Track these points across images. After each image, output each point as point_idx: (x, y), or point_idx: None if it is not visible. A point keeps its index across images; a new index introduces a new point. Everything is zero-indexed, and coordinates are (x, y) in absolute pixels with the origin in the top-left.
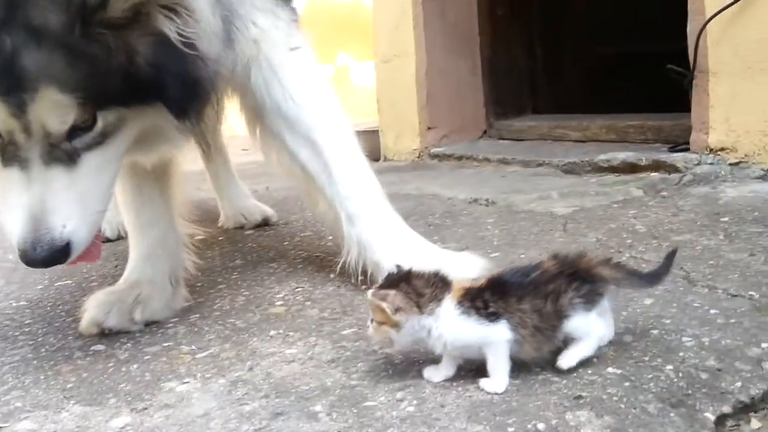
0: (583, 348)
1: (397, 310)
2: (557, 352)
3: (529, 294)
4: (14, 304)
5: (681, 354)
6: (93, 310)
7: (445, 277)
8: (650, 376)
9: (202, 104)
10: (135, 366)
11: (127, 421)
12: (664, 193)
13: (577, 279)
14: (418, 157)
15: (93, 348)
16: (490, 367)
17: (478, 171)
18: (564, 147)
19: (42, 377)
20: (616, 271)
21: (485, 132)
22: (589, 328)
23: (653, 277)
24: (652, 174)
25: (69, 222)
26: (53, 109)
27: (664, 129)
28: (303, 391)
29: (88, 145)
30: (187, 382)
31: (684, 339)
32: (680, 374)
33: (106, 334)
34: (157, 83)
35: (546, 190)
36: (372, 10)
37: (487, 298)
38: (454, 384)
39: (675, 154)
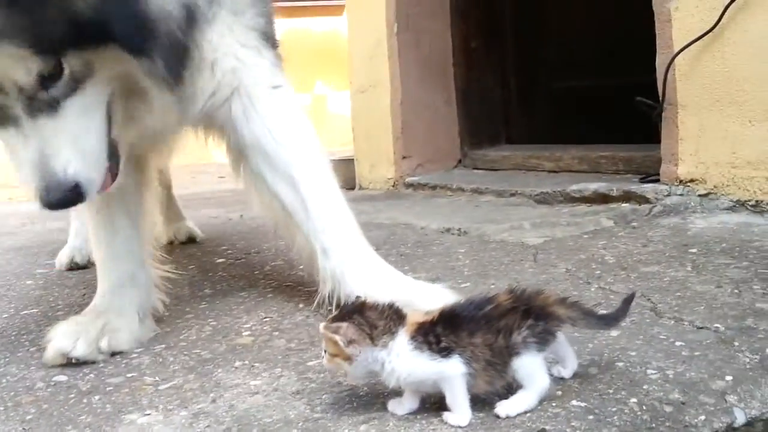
0: (524, 399)
1: (349, 342)
2: (510, 388)
3: (481, 328)
4: None
5: (645, 387)
6: (59, 339)
7: (399, 310)
8: (614, 409)
9: (158, 45)
10: (97, 397)
11: None
12: (635, 224)
13: (531, 316)
14: (393, 186)
15: (55, 379)
16: (449, 402)
17: (452, 200)
18: (537, 177)
19: (1, 408)
20: (572, 311)
21: (460, 161)
22: (535, 373)
23: (610, 319)
24: (623, 204)
25: (70, 164)
26: (14, 64)
27: (635, 160)
28: (266, 423)
29: (65, 93)
30: (149, 414)
31: (649, 371)
32: (644, 407)
33: (71, 364)
34: (101, 23)
35: (518, 220)
36: (348, 41)
37: (439, 333)
38: (418, 417)
39: (645, 185)
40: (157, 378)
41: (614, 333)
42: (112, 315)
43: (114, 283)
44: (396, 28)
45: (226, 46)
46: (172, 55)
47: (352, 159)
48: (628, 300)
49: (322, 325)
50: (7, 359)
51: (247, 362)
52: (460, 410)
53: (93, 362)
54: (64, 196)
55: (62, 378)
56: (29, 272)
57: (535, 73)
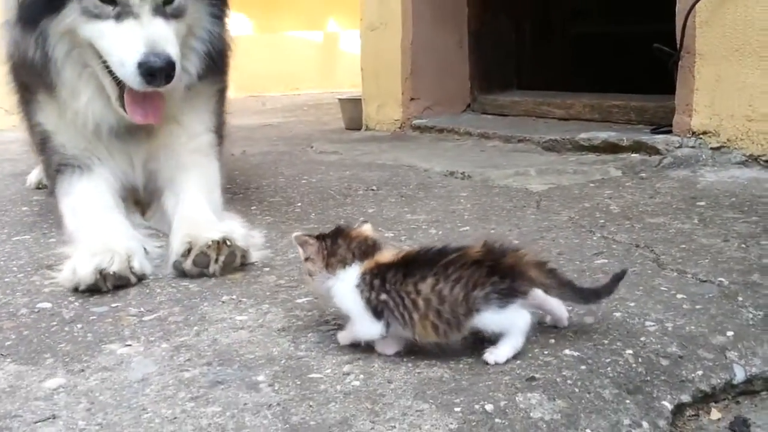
0: (509, 345)
1: (307, 259)
2: (478, 343)
3: (437, 275)
4: None
5: (642, 339)
6: (95, 257)
7: (372, 245)
8: (608, 360)
9: None
10: (79, 326)
11: (61, 382)
12: (643, 175)
13: (497, 273)
14: (400, 128)
15: (39, 305)
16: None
17: (458, 144)
18: (547, 124)
19: None
20: (547, 277)
21: (469, 106)
22: (503, 324)
23: (590, 294)
24: (633, 155)
25: (173, 52)
26: None
27: (647, 110)
28: (247, 359)
29: (173, 16)
30: (129, 345)
31: (647, 323)
32: (640, 360)
33: (96, 290)
34: None
35: (524, 166)
36: None
37: (386, 278)
38: (404, 360)
39: (657, 136)
40: (141, 309)
41: None
42: (126, 245)
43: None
44: None
45: None
46: None
47: (360, 99)
48: (618, 277)
49: (295, 234)
50: None
51: (234, 297)
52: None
53: (124, 285)
54: (167, 64)
55: (46, 305)
56: (26, 198)
57: (550, 17)
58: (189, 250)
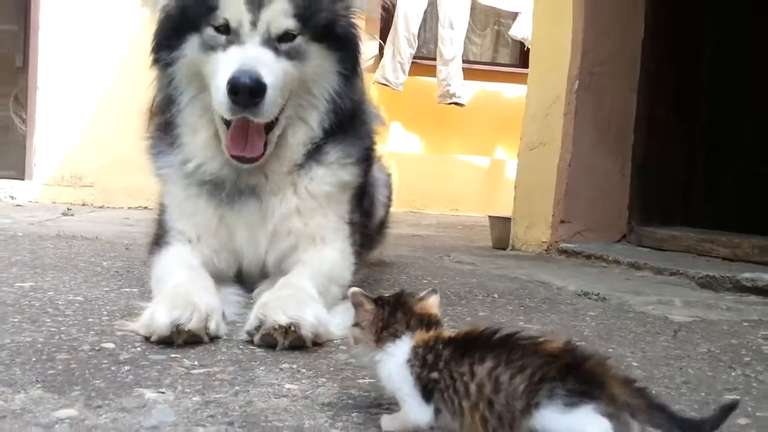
0: None
1: (356, 324)
2: None
3: (494, 357)
4: (70, 298)
5: None
6: (174, 309)
7: (437, 322)
8: None
9: None
10: (127, 368)
11: (72, 414)
12: None
13: (573, 374)
14: (546, 251)
15: (103, 345)
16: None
17: (603, 270)
18: (708, 262)
19: (33, 359)
20: (635, 396)
21: (624, 236)
22: (569, 429)
23: (690, 425)
24: None
25: (264, 74)
26: (278, 15)
27: None
28: (273, 427)
29: (286, 53)
30: (162, 392)
31: None
32: None
33: (167, 342)
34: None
35: (669, 296)
36: (526, 96)
37: (443, 354)
38: None
39: None
40: (196, 362)
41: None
42: (207, 303)
43: (190, 278)
44: (577, 85)
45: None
46: None
47: (510, 218)
48: (728, 408)
49: (356, 289)
50: (76, 321)
51: (295, 366)
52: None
53: (196, 342)
54: (255, 84)
55: (109, 345)
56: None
57: (726, 153)
58: (258, 327)
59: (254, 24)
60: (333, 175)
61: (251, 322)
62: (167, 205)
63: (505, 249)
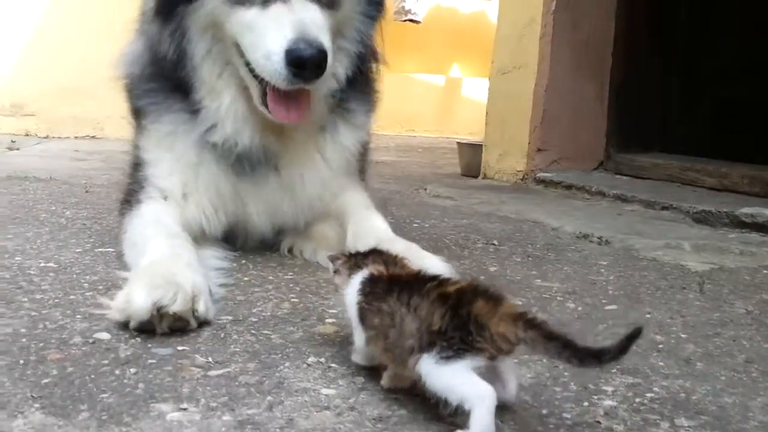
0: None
1: (335, 271)
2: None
3: (398, 295)
4: (42, 265)
5: None
6: (155, 290)
7: (401, 263)
8: None
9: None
10: (132, 370)
11: None
12: None
13: (454, 318)
14: (522, 180)
15: (96, 336)
16: None
17: (590, 204)
18: (696, 193)
19: (21, 362)
20: (525, 329)
21: (601, 164)
22: (441, 386)
23: (592, 353)
24: None
25: (326, 41)
26: None
27: None
28: None
29: (327, 3)
30: (184, 409)
31: None
32: None
33: (149, 330)
34: None
35: (674, 238)
36: (498, 16)
37: (377, 287)
38: None
39: None
40: (210, 359)
41: None
42: (193, 282)
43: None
44: (554, 6)
45: None
46: None
47: (479, 144)
48: (631, 336)
49: (328, 254)
50: (56, 300)
51: (323, 360)
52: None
53: (181, 329)
54: (318, 55)
55: (103, 336)
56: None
57: (702, 76)
58: None
59: None
60: (356, 135)
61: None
62: (151, 160)
63: (475, 177)
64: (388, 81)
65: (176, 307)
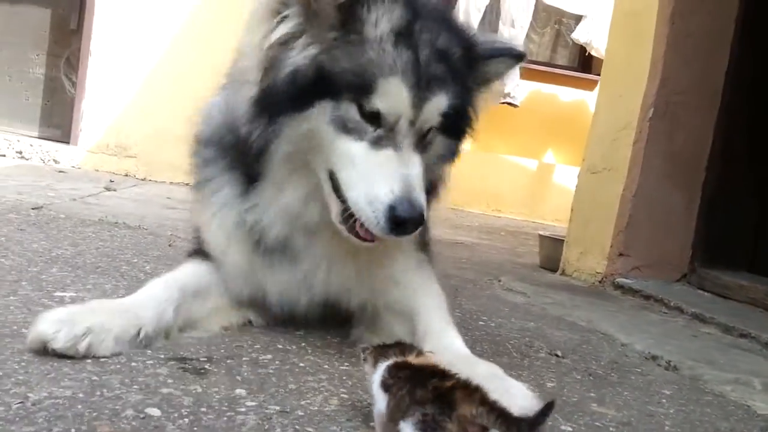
0: None
1: (364, 359)
2: None
3: (412, 385)
4: None
5: None
6: (44, 324)
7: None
8: None
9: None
10: None
11: None
12: None
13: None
14: (600, 282)
15: (147, 410)
16: None
17: (665, 320)
18: None
19: (72, 431)
20: (483, 407)
21: (684, 276)
22: None
23: (514, 421)
24: None
25: (424, 202)
26: (437, 110)
27: None
28: None
29: (424, 146)
30: None
31: None
32: None
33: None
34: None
35: (746, 372)
36: (593, 116)
37: (400, 374)
38: None
39: None
40: None
41: None
42: (109, 314)
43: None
44: (651, 113)
45: None
46: None
47: (560, 239)
48: (547, 408)
49: (363, 346)
50: (118, 366)
51: None
52: None
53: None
54: (419, 218)
55: (155, 412)
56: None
57: None
58: None
59: (413, 122)
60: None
61: None
62: (202, 224)
63: (553, 271)
64: (478, 159)
65: (56, 344)
